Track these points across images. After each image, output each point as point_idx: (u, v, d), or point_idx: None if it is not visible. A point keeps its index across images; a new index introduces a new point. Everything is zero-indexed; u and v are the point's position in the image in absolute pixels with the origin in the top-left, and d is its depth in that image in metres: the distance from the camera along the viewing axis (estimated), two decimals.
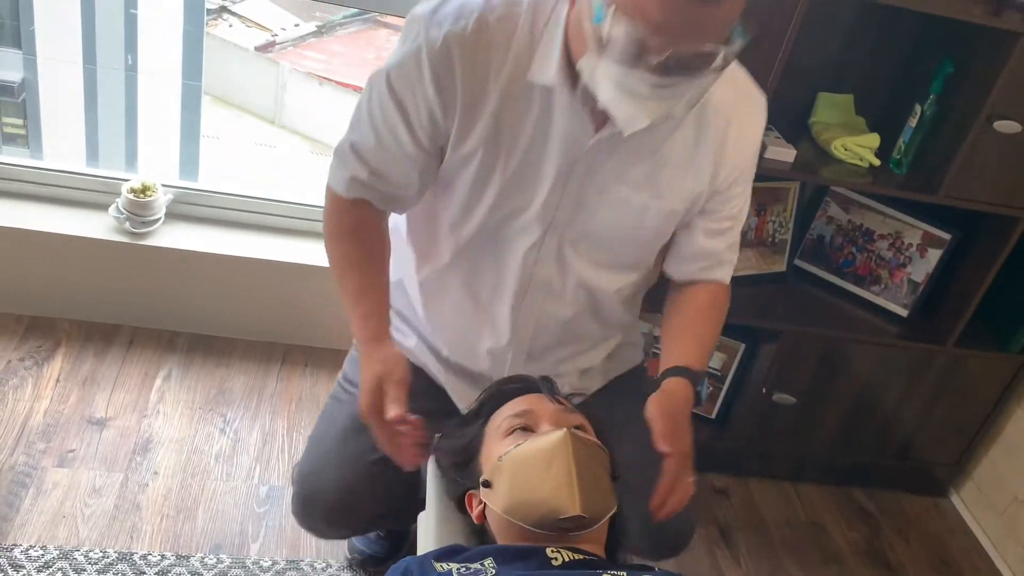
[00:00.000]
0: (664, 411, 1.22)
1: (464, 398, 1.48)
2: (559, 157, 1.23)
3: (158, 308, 2.38)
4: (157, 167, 2.52)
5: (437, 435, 1.32)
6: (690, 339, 1.38)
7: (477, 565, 1.04)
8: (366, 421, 1.26)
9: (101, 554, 1.81)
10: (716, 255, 1.44)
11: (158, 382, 2.26)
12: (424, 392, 1.44)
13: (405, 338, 1.55)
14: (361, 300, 1.36)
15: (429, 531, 1.22)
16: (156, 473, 2.02)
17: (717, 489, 2.38)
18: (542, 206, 1.28)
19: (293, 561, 1.89)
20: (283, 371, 2.39)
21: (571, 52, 1.15)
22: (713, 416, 2.38)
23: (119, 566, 1.79)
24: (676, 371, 1.30)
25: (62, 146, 2.64)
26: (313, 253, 2.39)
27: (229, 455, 2.11)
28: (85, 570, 1.77)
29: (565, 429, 1.10)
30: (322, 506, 1.49)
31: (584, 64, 1.08)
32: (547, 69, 1.17)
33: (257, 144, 3.80)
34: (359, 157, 1.32)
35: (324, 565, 1.90)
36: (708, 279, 1.46)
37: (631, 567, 1.06)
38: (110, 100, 2.58)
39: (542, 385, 1.25)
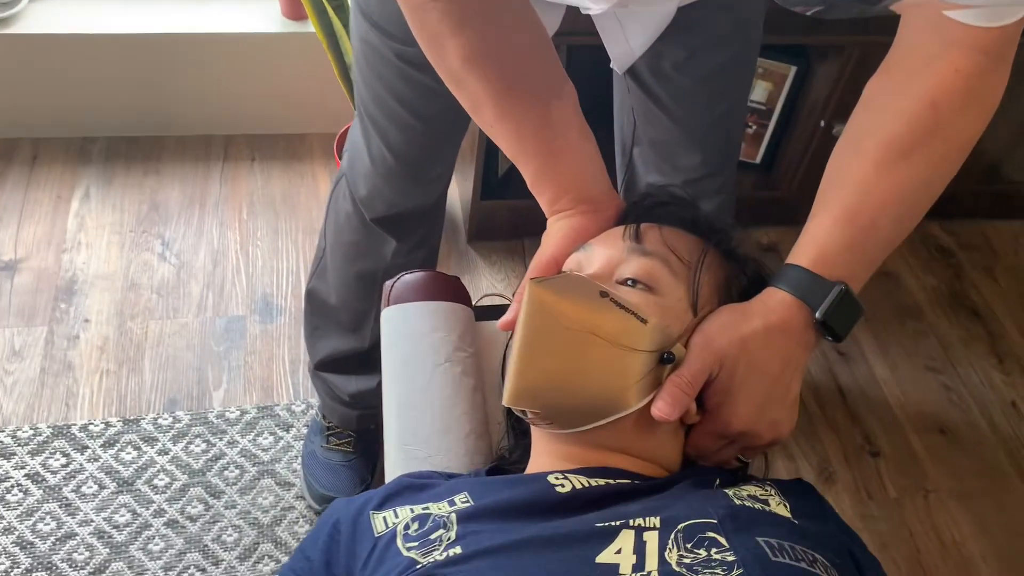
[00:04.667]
0: (711, 338, 0.70)
1: None
2: None
3: (62, 110, 1.91)
4: None
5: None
6: (867, 204, 0.71)
7: (442, 507, 0.68)
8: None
9: (32, 431, 1.50)
10: None
11: (75, 205, 1.84)
12: None
13: None
14: (522, 163, 0.82)
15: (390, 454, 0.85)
16: (87, 321, 1.66)
17: (765, 247, 1.99)
18: None
19: (266, 408, 1.57)
20: (226, 170, 1.96)
21: None
22: (758, 161, 1.94)
23: (56, 443, 1.49)
24: (798, 277, 0.71)
25: None
26: (244, 18, 1.87)
27: (174, 286, 1.74)
28: (15, 454, 1.47)
29: (531, 281, 0.71)
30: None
31: None
32: None
33: None
34: None
35: (304, 407, 1.58)
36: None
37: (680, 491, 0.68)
38: None
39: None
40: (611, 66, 1.10)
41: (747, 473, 0.77)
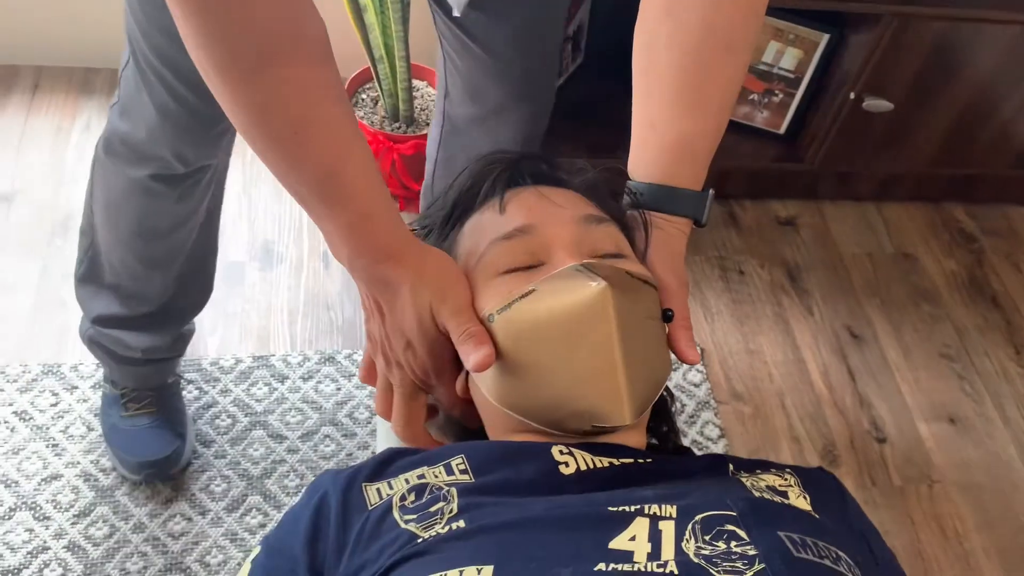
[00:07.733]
0: (675, 270, 0.74)
1: None
2: None
3: (64, 39, 1.85)
4: None
5: None
6: (699, 111, 0.74)
7: (439, 473, 0.64)
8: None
9: (21, 368, 1.46)
10: None
11: (75, 137, 1.79)
12: None
13: None
14: (332, 214, 0.67)
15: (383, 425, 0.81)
16: None
17: (782, 220, 1.94)
18: None
19: (261, 357, 1.54)
20: None
21: None
22: (782, 131, 1.87)
23: (45, 381, 1.45)
24: (688, 200, 0.75)
25: None
26: None
27: None
28: (3, 390, 1.44)
29: (602, 283, 0.62)
30: None
31: None
32: None
33: None
34: None
35: (300, 359, 1.54)
36: None
37: (683, 466, 0.65)
38: None
39: (532, 165, 0.74)
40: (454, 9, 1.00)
41: None
